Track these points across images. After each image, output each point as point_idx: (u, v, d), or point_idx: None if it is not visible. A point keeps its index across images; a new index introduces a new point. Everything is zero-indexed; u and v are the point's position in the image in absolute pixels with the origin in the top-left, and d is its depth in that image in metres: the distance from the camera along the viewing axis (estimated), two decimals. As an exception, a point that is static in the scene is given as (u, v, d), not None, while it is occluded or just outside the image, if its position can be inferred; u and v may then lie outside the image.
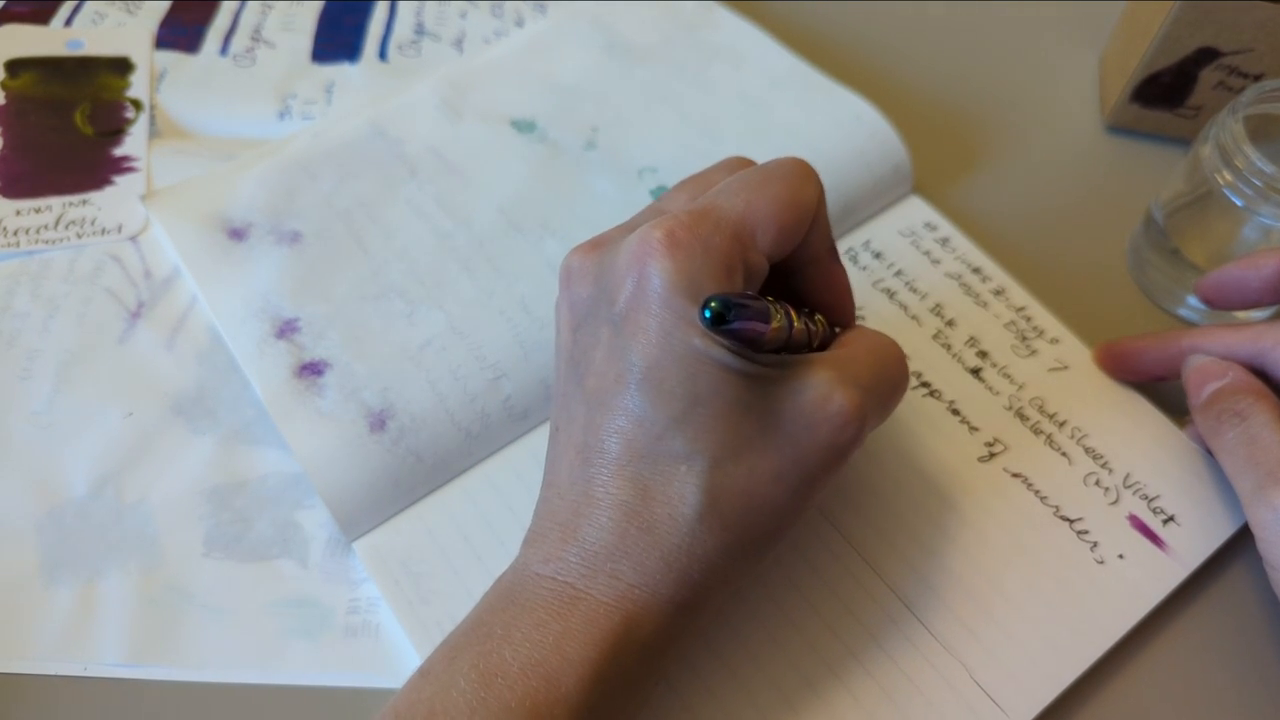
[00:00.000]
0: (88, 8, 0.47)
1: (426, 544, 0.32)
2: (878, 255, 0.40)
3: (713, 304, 0.21)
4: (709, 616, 0.26)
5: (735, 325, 0.22)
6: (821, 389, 0.24)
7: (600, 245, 0.27)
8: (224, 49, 0.46)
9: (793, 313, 0.25)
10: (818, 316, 0.28)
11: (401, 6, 0.48)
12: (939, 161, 0.43)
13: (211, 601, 0.31)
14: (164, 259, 0.39)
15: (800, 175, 0.27)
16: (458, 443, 0.33)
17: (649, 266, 0.24)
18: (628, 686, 0.24)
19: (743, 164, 0.29)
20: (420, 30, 0.47)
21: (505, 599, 0.25)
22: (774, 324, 0.23)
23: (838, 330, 0.29)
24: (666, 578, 0.24)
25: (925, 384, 0.36)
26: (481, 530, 0.33)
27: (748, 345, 0.24)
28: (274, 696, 0.30)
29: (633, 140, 0.41)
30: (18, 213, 0.40)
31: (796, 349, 0.26)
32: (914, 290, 0.39)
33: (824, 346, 0.28)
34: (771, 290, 0.27)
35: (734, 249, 0.25)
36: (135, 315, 0.37)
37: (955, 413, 0.35)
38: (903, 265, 0.39)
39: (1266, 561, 0.29)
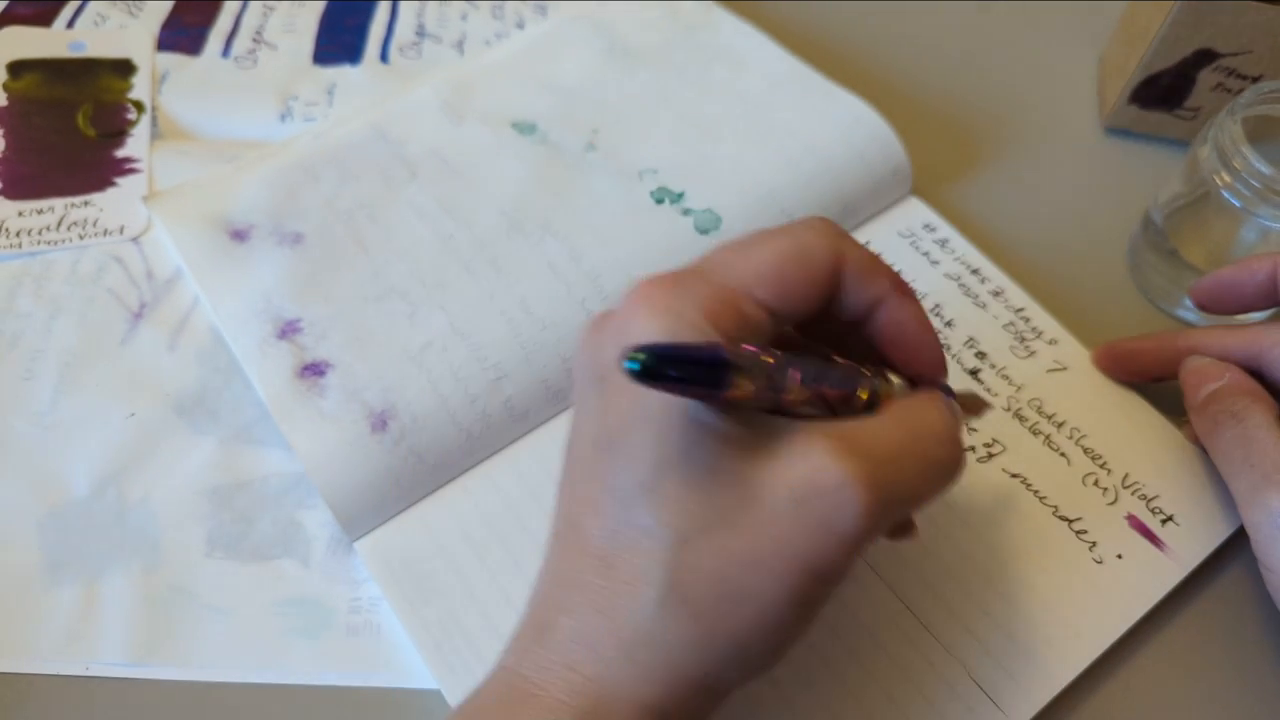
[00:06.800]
0: (90, 9, 0.47)
1: (428, 544, 0.32)
2: (877, 256, 0.40)
3: (641, 356, 0.18)
4: None
5: (674, 379, 0.18)
6: (815, 459, 0.21)
7: (609, 313, 0.24)
8: (226, 51, 0.46)
9: (798, 373, 0.21)
10: (892, 376, 0.25)
11: (403, 8, 0.48)
12: (938, 163, 0.43)
13: (213, 601, 0.32)
14: (166, 260, 0.39)
15: (807, 224, 0.24)
16: (459, 443, 0.34)
17: (628, 325, 0.22)
18: None
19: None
20: (421, 32, 0.47)
21: (472, 694, 0.23)
22: (739, 378, 0.19)
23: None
24: (627, 672, 0.21)
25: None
26: (482, 530, 0.33)
27: (722, 403, 0.21)
28: (275, 696, 0.30)
29: (633, 142, 0.41)
30: (20, 214, 0.40)
31: (813, 414, 0.22)
32: (913, 291, 0.39)
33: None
34: (857, 347, 0.25)
35: (717, 300, 0.22)
36: (137, 316, 0.38)
37: (954, 413, 0.36)
38: (901, 266, 0.39)
39: (1261, 563, 0.29)
